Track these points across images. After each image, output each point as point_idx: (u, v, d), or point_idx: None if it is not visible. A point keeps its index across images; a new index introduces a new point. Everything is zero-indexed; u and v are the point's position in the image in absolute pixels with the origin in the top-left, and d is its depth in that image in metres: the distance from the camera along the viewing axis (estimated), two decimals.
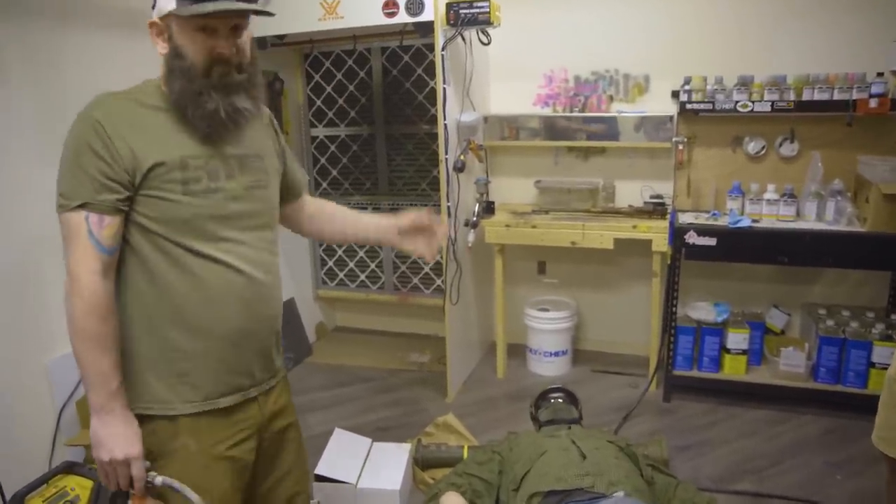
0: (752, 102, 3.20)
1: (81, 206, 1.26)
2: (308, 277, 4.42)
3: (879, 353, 3.04)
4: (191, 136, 1.35)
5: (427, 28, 3.10)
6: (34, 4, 2.51)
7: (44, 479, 2.35)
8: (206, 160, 1.36)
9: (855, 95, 3.07)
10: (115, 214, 1.29)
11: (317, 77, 4.16)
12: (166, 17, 1.30)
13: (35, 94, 2.54)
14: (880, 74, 3.06)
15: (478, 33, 3.30)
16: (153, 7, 1.34)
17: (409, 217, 1.68)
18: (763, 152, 3.44)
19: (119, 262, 1.34)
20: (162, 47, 1.34)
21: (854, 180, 3.24)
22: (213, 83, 1.33)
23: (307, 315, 4.26)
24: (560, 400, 2.75)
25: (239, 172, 1.41)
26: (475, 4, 3.00)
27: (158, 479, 1.34)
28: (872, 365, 3.08)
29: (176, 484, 1.33)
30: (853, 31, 3.22)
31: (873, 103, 3.02)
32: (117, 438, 1.30)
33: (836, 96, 3.11)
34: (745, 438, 3.01)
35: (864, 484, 2.64)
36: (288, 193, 1.66)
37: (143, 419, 1.36)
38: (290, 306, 4.07)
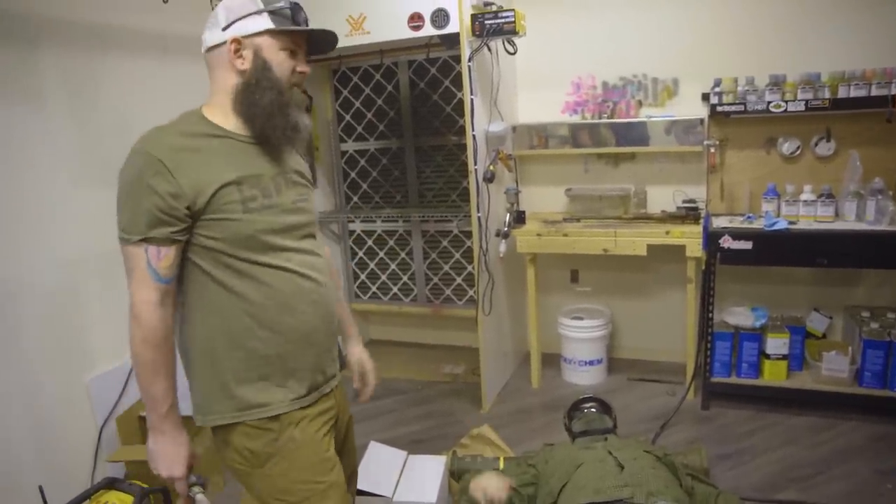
0: (786, 102, 3.14)
1: (141, 240, 1.34)
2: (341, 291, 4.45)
3: None
4: (242, 157, 1.44)
5: (453, 40, 3.11)
6: (71, 32, 2.60)
7: (86, 495, 2.40)
8: (258, 179, 1.45)
9: (894, 91, 2.99)
10: (171, 245, 1.36)
11: (345, 92, 4.21)
12: (251, 36, 1.41)
13: (72, 119, 2.62)
14: None
15: (503, 43, 3.31)
16: (225, 28, 1.42)
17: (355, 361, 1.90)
18: (798, 153, 3.37)
19: (189, 286, 1.43)
20: (242, 63, 1.42)
21: (895, 179, 3.15)
22: (294, 99, 1.49)
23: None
24: (593, 410, 2.72)
25: (285, 188, 1.51)
26: (500, 14, 3.01)
27: (199, 496, 1.48)
28: None
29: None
30: (889, 25, 3.14)
31: None
32: (165, 458, 1.44)
33: (874, 92, 3.03)
34: (788, 446, 2.94)
35: None
36: None
37: (236, 426, 1.47)
38: None
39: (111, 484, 2.48)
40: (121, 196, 1.37)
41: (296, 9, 1.47)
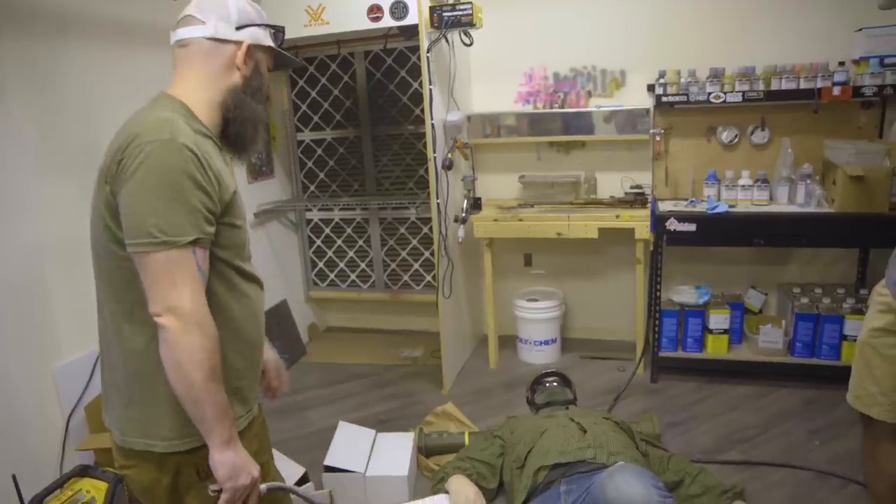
0: (724, 94, 3.36)
1: (191, 243, 1.22)
2: (299, 279, 4.49)
3: (850, 326, 3.22)
4: (223, 159, 1.40)
5: (411, 31, 3.20)
6: (31, 16, 2.56)
7: (59, 483, 2.40)
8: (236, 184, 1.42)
9: (819, 84, 3.24)
10: (209, 247, 1.29)
11: (301, 82, 4.24)
12: (256, 47, 1.42)
13: (33, 105, 2.58)
14: (842, 64, 3.25)
15: (460, 35, 3.41)
16: (239, 28, 1.39)
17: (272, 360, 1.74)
18: (736, 141, 3.60)
19: None
20: (246, 68, 1.40)
21: (822, 164, 3.41)
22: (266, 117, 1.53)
23: (298, 317, 4.33)
24: (555, 383, 2.88)
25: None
26: (458, 7, 3.11)
27: (263, 487, 1.41)
28: (844, 338, 3.26)
29: (277, 484, 1.48)
30: (817, 23, 3.39)
31: (836, 91, 3.20)
32: (249, 460, 1.34)
33: (803, 85, 3.28)
34: (731, 412, 3.17)
35: (840, 447, 2.81)
36: None
37: (202, 447, 1.34)
38: (283, 308, 4.15)
39: (84, 471, 2.48)
40: (153, 193, 1.20)
41: (283, 34, 1.51)
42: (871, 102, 3.35)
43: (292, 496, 1.65)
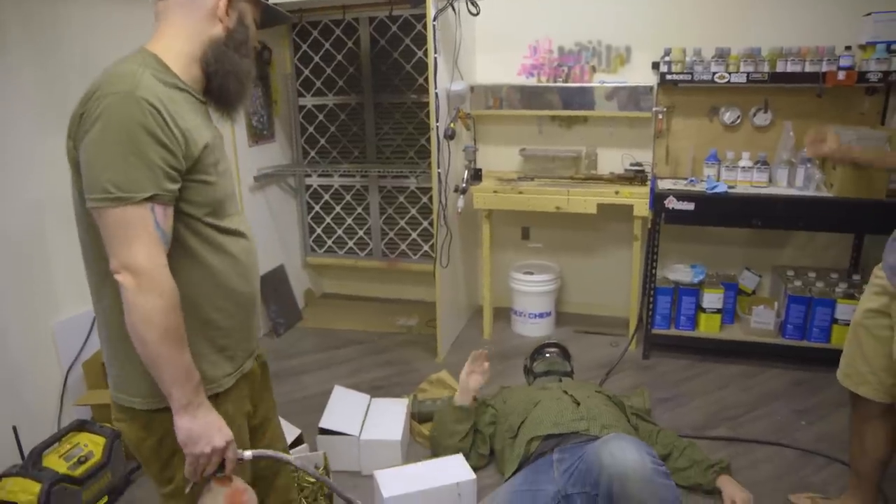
0: (729, 74, 3.35)
1: (148, 199, 1.18)
2: (297, 245, 4.50)
3: (842, 310, 3.26)
4: (203, 114, 1.37)
5: None
6: None
7: (58, 437, 2.45)
8: (216, 140, 1.38)
9: (825, 68, 3.23)
10: (172, 205, 1.24)
11: (304, 47, 4.20)
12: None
13: (35, 62, 2.57)
14: (848, 48, 3.24)
15: (467, 4, 3.38)
16: None
17: None
18: (738, 122, 3.61)
19: None
20: (228, 20, 1.36)
21: None
22: (254, 71, 1.48)
23: (295, 282, 4.35)
24: (555, 353, 2.92)
25: (223, 150, 1.46)
26: None
27: (247, 454, 1.36)
28: (835, 321, 3.30)
29: (267, 452, 1.41)
30: (826, 6, 3.38)
31: (841, 76, 3.19)
32: (213, 427, 1.29)
33: (808, 68, 3.26)
34: (720, 390, 3.23)
35: (825, 428, 2.88)
36: None
37: None
38: (280, 273, 4.16)
39: (82, 426, 2.53)
40: (108, 148, 1.17)
41: None
42: (875, 89, 3.36)
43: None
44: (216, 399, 1.39)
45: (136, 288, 1.19)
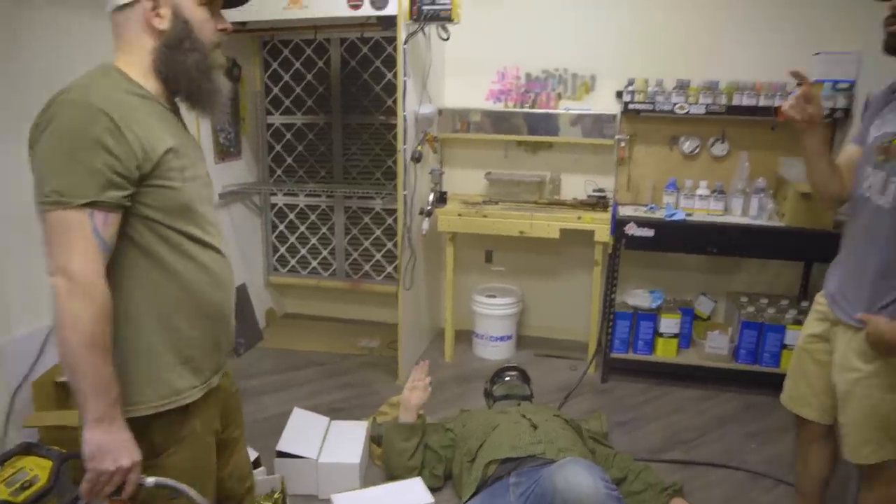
0: (689, 105, 3.47)
1: (87, 205, 1.19)
2: (259, 264, 4.47)
3: (791, 335, 3.36)
4: (170, 120, 1.37)
5: (390, 22, 3.22)
6: None
7: (0, 461, 2.36)
8: (185, 145, 1.38)
9: (777, 102, 3.37)
10: (118, 211, 1.24)
11: (275, 65, 4.21)
12: None
13: None
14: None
15: (438, 29, 3.43)
16: None
17: None
18: (697, 151, 3.72)
19: (115, 259, 1.28)
20: (161, 22, 1.32)
21: (775, 179, 3.55)
22: (217, 61, 1.41)
23: (257, 301, 4.31)
24: (515, 377, 2.95)
25: (199, 159, 1.45)
26: (438, 2, 3.13)
27: (150, 480, 1.32)
28: (785, 346, 3.40)
29: (168, 481, 1.33)
30: (779, 44, 3.51)
31: None
32: (123, 445, 1.26)
33: (762, 102, 3.40)
34: (676, 414, 3.29)
35: (774, 450, 2.97)
36: None
37: (158, 415, 1.35)
38: (241, 292, 4.13)
39: (28, 449, 2.43)
40: (54, 154, 1.19)
41: None
42: (823, 123, 3.48)
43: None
44: (185, 412, 1.38)
45: (67, 292, 1.19)
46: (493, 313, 3.93)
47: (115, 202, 1.22)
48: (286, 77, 4.21)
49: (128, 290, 1.30)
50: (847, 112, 3.33)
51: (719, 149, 3.68)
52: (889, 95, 1.85)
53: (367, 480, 2.69)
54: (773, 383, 3.27)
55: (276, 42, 4.14)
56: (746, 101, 3.42)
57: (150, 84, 1.34)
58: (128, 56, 1.33)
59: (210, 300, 1.41)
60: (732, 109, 3.44)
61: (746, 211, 3.45)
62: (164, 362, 1.34)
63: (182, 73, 1.34)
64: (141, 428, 1.32)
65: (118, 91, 1.27)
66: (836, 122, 3.44)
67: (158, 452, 1.36)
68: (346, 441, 2.77)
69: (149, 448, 1.33)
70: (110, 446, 1.25)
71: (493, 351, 3.98)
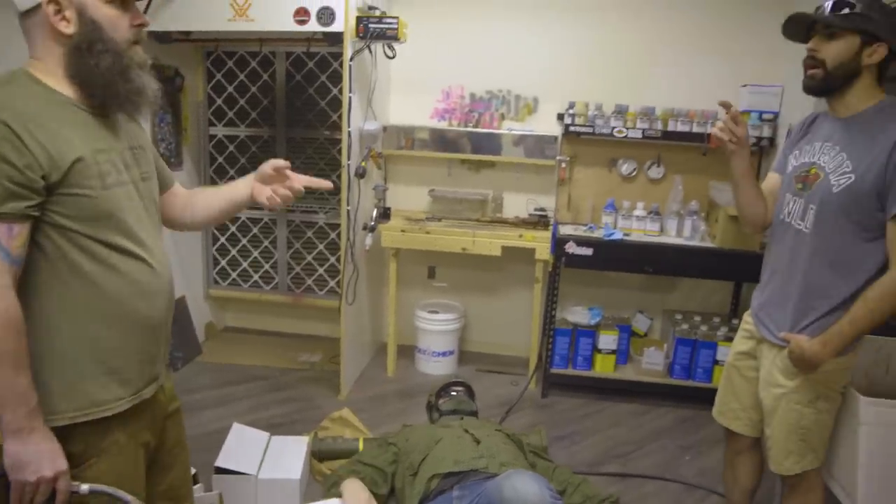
0: (627, 129, 3.60)
1: None
2: (199, 276, 4.37)
3: (723, 352, 3.51)
4: (90, 125, 1.32)
5: (336, 38, 3.23)
6: None
7: None
8: (110, 152, 1.33)
9: (709, 130, 3.49)
10: (24, 222, 1.21)
11: (218, 76, 4.15)
12: None
13: None
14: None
15: (384, 47, 3.47)
16: None
17: (271, 163, 1.60)
18: (634, 173, 3.86)
19: (30, 269, 1.25)
20: (67, 26, 1.26)
21: (707, 202, 3.72)
22: (135, 59, 1.34)
23: (196, 314, 4.21)
24: (462, 392, 2.98)
25: (132, 164, 1.41)
26: (384, 20, 3.18)
27: (84, 488, 1.30)
28: (717, 362, 3.55)
29: (105, 488, 1.31)
30: (711, 75, 3.71)
31: None
32: (44, 456, 1.25)
33: (695, 129, 3.58)
34: (613, 428, 3.38)
35: (707, 462, 3.08)
36: (161, 185, 1.59)
37: (76, 426, 1.32)
38: (180, 305, 4.03)
39: None
40: None
41: None
42: (750, 151, 3.68)
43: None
44: (106, 423, 1.35)
45: None
46: (436, 328, 3.96)
47: (18, 213, 1.19)
48: (230, 88, 4.16)
49: (40, 299, 1.27)
50: (772, 141, 3.54)
51: (655, 172, 3.83)
52: (805, 128, 2.00)
53: (308, 496, 2.65)
54: (706, 398, 3.40)
55: (220, 53, 4.09)
56: (681, 127, 3.58)
57: (67, 89, 1.30)
58: (41, 62, 1.29)
59: (134, 310, 1.37)
60: (667, 135, 3.60)
61: (681, 232, 3.60)
62: (84, 372, 1.32)
63: (96, 77, 1.29)
64: (61, 437, 1.29)
65: (22, 98, 1.23)
66: (762, 150, 3.64)
67: (79, 462, 1.33)
68: (287, 457, 2.73)
69: (69, 458, 1.30)
70: (30, 457, 1.23)
71: (436, 366, 4.00)
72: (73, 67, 1.28)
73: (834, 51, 1.74)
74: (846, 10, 1.69)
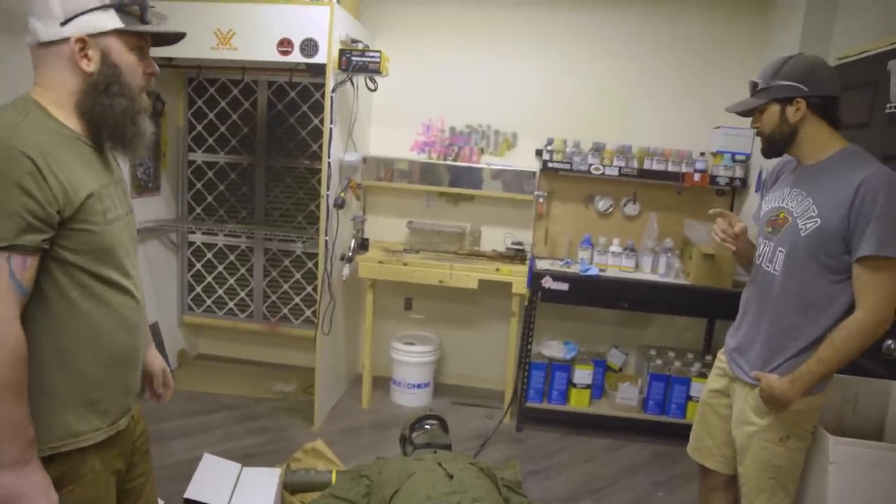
0: (604, 166, 3.67)
1: (4, 248, 1.18)
2: (173, 302, 4.32)
3: (696, 387, 3.55)
4: (94, 161, 1.35)
5: (319, 69, 3.26)
6: None
7: None
8: (108, 187, 1.37)
9: (684, 169, 3.63)
10: (37, 255, 1.23)
11: (199, 102, 4.16)
12: (97, 36, 1.30)
13: None
14: (702, 154, 3.66)
15: (366, 80, 3.51)
16: (64, 23, 1.28)
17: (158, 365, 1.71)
18: (611, 210, 3.92)
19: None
20: (88, 64, 1.30)
21: (682, 240, 3.79)
22: (143, 105, 1.40)
23: (169, 342, 4.15)
24: (436, 426, 2.96)
25: (121, 199, 1.44)
26: (367, 54, 3.22)
27: None
28: (690, 398, 3.58)
29: None
30: (686, 116, 3.81)
31: (697, 177, 3.61)
32: (39, 489, 1.25)
33: (670, 168, 3.66)
34: (587, 463, 3.38)
35: (680, 498, 3.09)
36: None
37: (54, 456, 1.32)
38: (153, 331, 3.97)
39: None
40: None
41: (144, 5, 1.36)
42: (723, 190, 3.78)
43: None
44: (82, 452, 1.35)
45: None
46: (412, 360, 3.95)
47: (33, 246, 1.21)
48: (211, 115, 4.17)
49: (32, 330, 1.27)
50: (743, 181, 3.63)
51: (631, 209, 3.90)
52: (776, 175, 2.10)
53: None
54: (680, 433, 3.42)
55: (202, 79, 4.10)
56: (656, 166, 3.66)
57: (73, 122, 1.33)
58: (50, 92, 1.31)
59: (120, 344, 1.39)
60: (643, 173, 3.67)
61: (655, 269, 3.65)
62: (64, 403, 1.32)
63: (109, 118, 1.33)
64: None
65: (42, 132, 1.25)
66: (734, 190, 3.73)
67: (56, 489, 1.31)
68: (258, 489, 2.68)
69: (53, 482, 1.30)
70: (23, 490, 1.23)
71: (411, 398, 3.98)
72: (88, 104, 1.31)
73: (766, 121, 1.95)
74: (758, 89, 1.95)
